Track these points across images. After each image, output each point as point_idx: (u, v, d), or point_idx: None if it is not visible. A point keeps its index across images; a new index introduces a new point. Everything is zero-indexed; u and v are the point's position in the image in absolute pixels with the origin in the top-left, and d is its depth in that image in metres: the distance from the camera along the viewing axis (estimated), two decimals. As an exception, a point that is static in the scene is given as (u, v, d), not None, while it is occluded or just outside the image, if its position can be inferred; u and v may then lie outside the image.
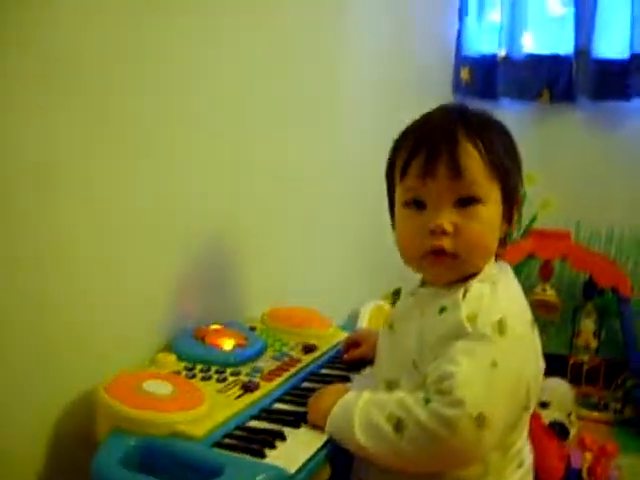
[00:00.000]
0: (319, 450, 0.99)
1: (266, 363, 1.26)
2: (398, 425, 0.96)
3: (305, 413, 1.07)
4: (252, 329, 1.44)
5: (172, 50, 1.25)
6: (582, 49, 3.00)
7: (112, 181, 1.14)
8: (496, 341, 0.98)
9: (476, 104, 1.15)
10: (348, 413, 1.00)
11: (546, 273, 2.87)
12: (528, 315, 1.08)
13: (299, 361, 1.31)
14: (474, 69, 3.14)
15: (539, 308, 2.75)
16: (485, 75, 3.12)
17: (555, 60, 3.04)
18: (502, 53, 3.10)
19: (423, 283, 1.16)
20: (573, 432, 2.44)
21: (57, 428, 1.08)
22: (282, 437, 1.00)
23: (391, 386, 1.09)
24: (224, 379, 1.16)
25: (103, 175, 1.11)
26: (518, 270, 1.14)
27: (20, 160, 0.96)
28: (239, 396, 1.11)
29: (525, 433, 1.09)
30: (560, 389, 2.48)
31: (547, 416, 2.35)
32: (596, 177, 3.06)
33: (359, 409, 1.00)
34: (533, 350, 1.06)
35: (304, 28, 1.80)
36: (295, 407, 1.12)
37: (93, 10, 1.06)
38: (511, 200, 1.09)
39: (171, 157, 1.28)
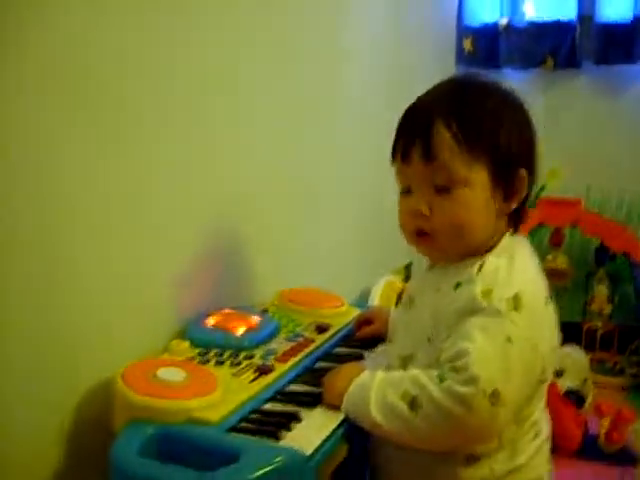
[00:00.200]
0: (335, 430, 1.00)
1: (280, 345, 1.27)
2: (413, 403, 0.96)
3: (320, 393, 1.08)
4: (264, 311, 1.44)
5: (174, 50, 1.25)
6: (585, 13, 2.98)
7: (120, 173, 1.13)
8: (511, 317, 0.97)
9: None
10: (364, 392, 1.01)
11: (557, 240, 2.87)
12: (544, 290, 1.07)
13: (313, 341, 1.31)
14: (476, 39, 3.12)
15: (550, 276, 2.74)
16: (488, 44, 3.10)
17: (558, 26, 3.02)
18: (504, 21, 3.08)
19: None
20: (589, 399, 2.44)
21: (74, 418, 1.08)
22: (297, 418, 1.01)
23: (405, 362, 1.09)
24: (238, 363, 1.16)
25: (108, 168, 1.11)
26: (528, 239, 1.13)
27: (20, 160, 0.96)
28: (253, 379, 1.11)
29: (541, 404, 1.09)
30: (574, 356, 2.49)
31: (563, 384, 2.35)
32: (604, 142, 3.04)
33: (375, 387, 1.00)
34: (548, 325, 1.05)
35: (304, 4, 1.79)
36: (310, 388, 1.12)
37: (93, 10, 1.06)
38: (507, 175, 1.05)
39: (178, 149, 1.28)
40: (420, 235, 1.08)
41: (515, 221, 1.10)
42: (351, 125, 2.15)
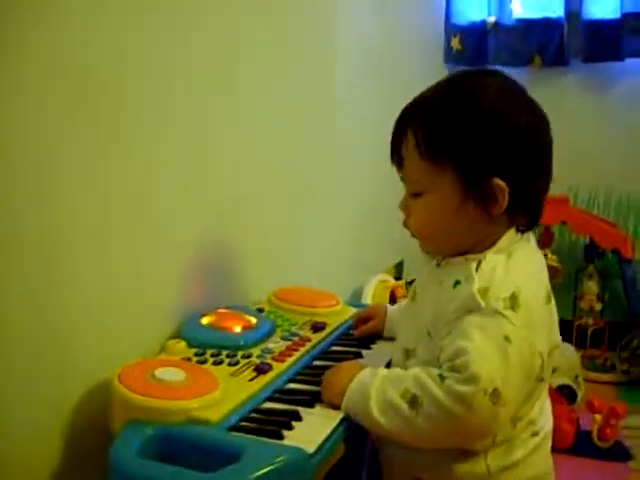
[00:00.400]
0: (335, 428, 0.99)
1: (276, 344, 1.26)
2: (413, 402, 0.96)
3: (319, 392, 1.07)
4: (260, 311, 1.44)
5: (174, 50, 1.24)
6: (572, 11, 2.99)
7: (120, 173, 1.13)
8: (508, 316, 0.97)
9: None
10: (364, 390, 1.00)
11: (546, 239, 2.88)
12: (543, 288, 1.07)
13: (309, 340, 1.30)
14: (464, 37, 3.13)
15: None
16: (476, 43, 3.11)
17: (546, 24, 3.03)
18: (492, 20, 3.09)
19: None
20: (581, 395, 2.46)
21: (72, 418, 1.08)
22: (298, 417, 1.00)
23: (408, 355, 1.09)
24: (236, 362, 1.15)
25: (108, 168, 1.11)
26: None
27: (20, 160, 0.95)
28: (252, 378, 1.11)
29: (540, 403, 1.09)
30: (566, 353, 2.50)
31: (554, 380, 2.36)
32: (592, 140, 3.05)
33: (375, 386, 1.00)
34: (547, 324, 1.05)
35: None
36: (308, 386, 1.12)
37: (93, 10, 1.05)
38: (477, 184, 1.02)
39: (178, 149, 1.27)
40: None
41: (525, 221, 1.07)
42: (346, 125, 2.15)
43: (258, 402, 1.05)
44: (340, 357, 1.23)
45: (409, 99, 1.11)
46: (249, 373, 1.12)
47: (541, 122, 1.07)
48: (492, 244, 1.05)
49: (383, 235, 2.43)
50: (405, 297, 2.15)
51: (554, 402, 2.09)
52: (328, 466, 0.99)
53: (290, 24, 1.71)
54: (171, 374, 1.03)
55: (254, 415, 1.02)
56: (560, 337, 1.09)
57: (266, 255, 1.65)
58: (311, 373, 1.17)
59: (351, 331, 1.40)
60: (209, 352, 1.18)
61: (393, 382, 1.00)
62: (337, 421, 1.01)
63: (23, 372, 0.98)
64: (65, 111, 1.01)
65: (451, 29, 3.12)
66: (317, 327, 1.37)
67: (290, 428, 0.97)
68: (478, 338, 0.96)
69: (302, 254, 1.86)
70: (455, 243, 1.07)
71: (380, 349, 1.31)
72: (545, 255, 2.83)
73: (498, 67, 3.06)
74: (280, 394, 1.09)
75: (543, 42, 3.03)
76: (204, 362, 1.15)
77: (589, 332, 2.84)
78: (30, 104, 0.96)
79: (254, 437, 0.94)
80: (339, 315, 1.47)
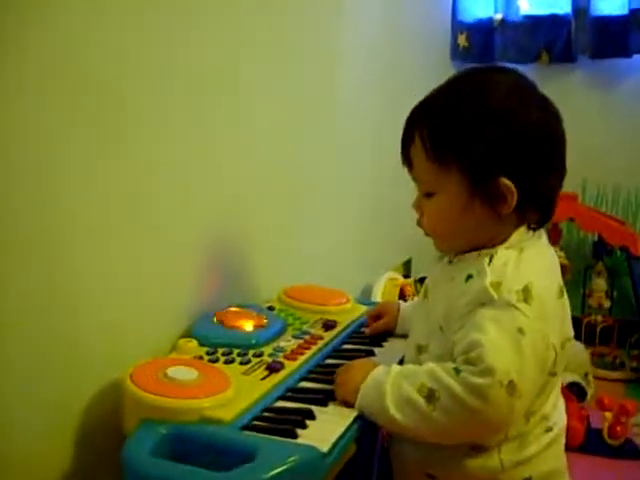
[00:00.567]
0: (349, 427, 0.99)
1: (288, 342, 1.26)
2: (430, 396, 0.96)
3: (332, 390, 1.06)
4: (270, 309, 1.43)
5: (174, 50, 1.24)
6: (580, 7, 2.97)
7: (120, 173, 1.12)
8: (521, 308, 0.97)
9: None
10: (379, 387, 1.00)
11: (554, 236, 2.86)
12: (556, 283, 1.06)
13: (321, 338, 1.30)
14: (471, 34, 3.11)
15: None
16: (483, 40, 3.10)
17: (553, 20, 3.01)
18: (499, 16, 3.07)
19: None
20: (590, 392, 2.45)
21: (81, 419, 1.07)
22: (311, 416, 0.99)
23: (420, 350, 1.09)
24: (247, 361, 1.15)
25: (108, 168, 1.10)
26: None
27: (20, 160, 0.94)
28: (264, 377, 1.10)
29: (553, 398, 1.08)
30: (575, 350, 2.48)
31: (564, 378, 2.35)
32: (600, 136, 3.04)
33: (390, 382, 1.00)
34: (560, 317, 1.05)
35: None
36: (321, 385, 1.11)
37: (93, 10, 1.04)
38: (484, 183, 1.02)
39: (178, 149, 1.26)
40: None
41: (537, 219, 1.07)
42: (350, 124, 2.14)
43: (271, 401, 1.05)
44: (352, 355, 1.23)
45: (415, 97, 1.10)
46: (261, 372, 1.12)
47: (553, 119, 1.06)
48: (503, 241, 1.05)
49: (390, 233, 2.43)
50: (415, 295, 2.15)
51: (564, 400, 2.09)
52: (340, 465, 0.99)
53: (291, 23, 1.70)
54: (183, 373, 1.03)
55: (267, 414, 1.01)
56: (573, 331, 1.09)
57: (274, 254, 1.64)
58: (323, 371, 1.16)
59: (363, 329, 1.40)
60: (220, 351, 1.18)
61: (408, 378, 0.99)
62: (351, 419, 1.00)
63: (24, 373, 0.97)
64: (65, 111, 1.01)
65: (458, 26, 3.11)
66: (328, 325, 1.37)
67: (304, 427, 0.96)
68: (492, 330, 0.96)
69: (309, 253, 1.85)
70: (466, 241, 1.07)
71: (392, 347, 1.30)
72: (554, 252, 2.85)
73: (505, 64, 3.05)
74: (293, 393, 1.09)
75: (550, 39, 3.02)
76: (216, 361, 1.15)
77: (598, 329, 2.83)
78: (30, 104, 0.95)
79: (267, 436, 0.94)
80: (350, 313, 1.46)
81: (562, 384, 2.21)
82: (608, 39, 2.92)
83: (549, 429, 1.07)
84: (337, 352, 1.28)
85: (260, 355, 1.18)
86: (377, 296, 2.13)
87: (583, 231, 3.01)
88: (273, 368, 1.12)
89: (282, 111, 1.67)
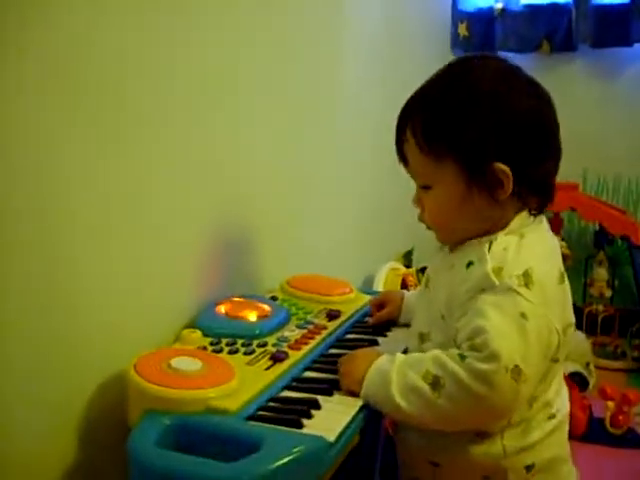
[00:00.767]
0: (355, 416, 0.98)
1: (292, 332, 1.25)
2: (435, 383, 0.96)
3: (336, 380, 1.06)
4: (273, 299, 1.43)
5: (174, 50, 1.23)
6: (581, -4, 2.96)
7: (120, 173, 1.12)
8: (523, 293, 0.97)
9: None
10: (384, 376, 1.00)
11: (555, 226, 2.86)
12: (557, 269, 1.06)
13: (324, 328, 1.29)
14: (471, 24, 3.10)
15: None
16: (483, 29, 3.09)
17: (554, 9, 3.00)
18: (499, 5, 3.06)
19: None
20: (592, 382, 2.45)
21: (84, 415, 1.07)
22: (317, 406, 0.99)
23: (423, 339, 1.10)
24: (252, 351, 1.15)
25: (108, 168, 1.09)
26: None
27: (20, 160, 0.94)
28: (269, 367, 1.10)
29: (555, 385, 1.08)
30: (576, 339, 2.48)
31: (565, 367, 2.35)
32: (601, 126, 3.03)
33: (395, 370, 0.99)
34: (561, 302, 1.05)
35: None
36: (325, 374, 1.11)
37: (93, 10, 1.04)
38: (480, 170, 1.02)
39: (178, 149, 1.26)
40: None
41: (537, 203, 1.07)
42: (351, 115, 2.14)
43: (276, 391, 1.04)
44: (356, 345, 1.22)
45: (415, 87, 1.10)
46: (265, 362, 1.11)
47: (544, 103, 1.06)
48: (504, 227, 1.05)
49: (392, 224, 2.42)
50: (417, 285, 2.15)
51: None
52: (344, 455, 0.98)
53: (291, 17, 1.70)
54: (187, 363, 1.03)
55: (272, 404, 1.00)
56: (574, 317, 1.09)
57: (276, 244, 1.64)
58: (328, 361, 1.16)
59: (366, 318, 1.39)
60: (224, 341, 1.17)
61: (412, 365, 0.99)
62: (357, 409, 1.00)
63: (24, 372, 0.97)
64: (65, 111, 1.00)
65: (458, 15, 3.10)
66: (332, 315, 1.37)
67: (309, 417, 0.96)
68: (495, 316, 0.96)
69: (310, 243, 1.85)
70: (468, 231, 1.07)
71: (395, 336, 1.30)
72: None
73: (506, 53, 3.05)
74: (297, 382, 1.09)
75: (551, 28, 3.01)
76: (220, 351, 1.14)
77: (599, 319, 2.83)
78: (30, 104, 0.94)
79: (273, 426, 0.93)
80: (353, 303, 1.46)
81: (564, 373, 2.23)
82: (609, 28, 2.91)
83: (552, 416, 1.07)
84: (341, 342, 1.27)
85: (264, 345, 1.18)
86: (379, 286, 2.12)
87: (584, 221, 3.01)
88: (277, 358, 1.12)
89: (283, 104, 1.67)
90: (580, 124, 2.99)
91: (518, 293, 0.97)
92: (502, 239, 1.03)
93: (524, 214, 1.06)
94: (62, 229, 1.01)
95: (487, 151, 1.01)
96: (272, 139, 1.62)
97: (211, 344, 1.16)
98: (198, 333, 1.18)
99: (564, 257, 2.67)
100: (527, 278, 0.98)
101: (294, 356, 1.15)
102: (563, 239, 2.87)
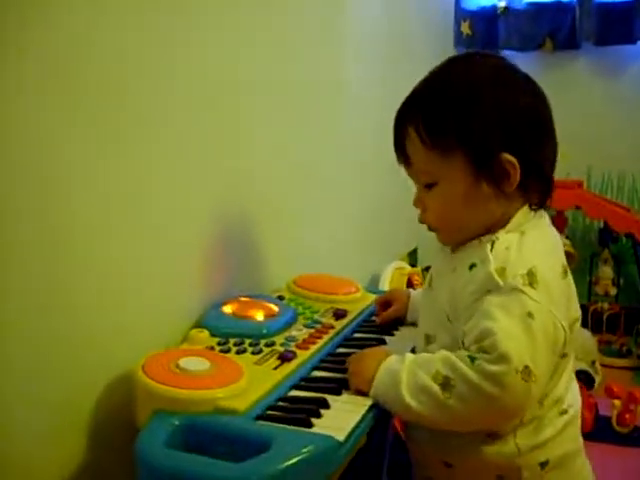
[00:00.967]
0: (364, 415, 0.98)
1: (299, 332, 1.25)
2: (445, 384, 0.95)
3: (345, 379, 1.06)
4: (280, 298, 1.43)
5: (174, 50, 1.23)
6: (584, -6, 2.96)
7: (120, 173, 1.11)
8: (528, 292, 0.97)
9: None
10: (394, 375, 0.99)
11: (560, 224, 2.85)
12: (560, 263, 1.06)
13: (332, 327, 1.29)
14: (474, 22, 3.10)
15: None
16: (486, 27, 3.10)
17: (557, 7, 3.00)
18: (502, 4, 3.06)
19: None
20: (598, 380, 2.44)
21: (91, 415, 1.07)
22: (326, 405, 0.99)
23: (429, 340, 1.10)
24: (259, 351, 1.14)
25: (108, 168, 1.09)
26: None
27: (20, 160, 0.93)
28: (276, 367, 1.09)
29: (565, 381, 1.08)
30: (582, 338, 2.48)
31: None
32: (604, 123, 3.03)
33: (405, 371, 0.99)
34: (566, 297, 1.05)
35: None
36: (334, 374, 1.11)
37: (93, 10, 1.04)
38: (487, 161, 1.02)
39: (178, 148, 1.26)
40: (427, 226, 1.12)
41: (538, 196, 1.07)
42: (352, 114, 2.13)
43: (284, 390, 1.04)
44: (363, 344, 1.22)
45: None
46: (273, 361, 1.11)
47: (541, 100, 1.07)
48: (505, 224, 1.05)
49: (396, 223, 2.42)
50: (422, 284, 2.14)
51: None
52: (352, 455, 0.98)
53: (291, 17, 1.70)
54: (195, 364, 1.02)
55: (281, 404, 1.00)
56: (580, 311, 1.08)
57: (282, 244, 1.64)
58: (336, 360, 1.15)
59: (373, 317, 1.39)
60: (232, 341, 1.17)
61: (422, 366, 0.99)
62: (366, 408, 0.99)
63: (25, 372, 0.96)
64: (65, 111, 1.00)
65: (461, 13, 3.10)
66: (339, 314, 1.36)
67: (319, 416, 0.96)
68: (502, 318, 0.96)
69: (315, 243, 1.84)
70: (472, 228, 1.06)
71: (403, 335, 1.30)
72: (559, 240, 2.85)
73: (509, 52, 3.05)
74: (306, 382, 1.08)
75: (554, 25, 3.01)
76: (227, 351, 1.14)
77: (605, 317, 2.82)
78: (30, 104, 0.94)
79: (282, 426, 0.93)
80: (360, 302, 1.46)
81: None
82: (612, 25, 2.91)
83: (564, 412, 1.07)
84: (348, 341, 1.27)
85: (272, 345, 1.17)
86: (385, 285, 2.12)
87: (589, 218, 3.00)
88: (285, 357, 1.12)
89: (284, 104, 1.66)
90: (584, 122, 2.99)
91: (523, 292, 0.97)
92: (504, 238, 1.03)
93: (525, 209, 1.06)
94: (62, 229, 1.01)
95: (494, 142, 1.02)
96: (274, 138, 1.62)
97: (219, 344, 1.16)
98: (206, 333, 1.17)
99: (569, 257, 2.68)
100: (531, 277, 0.98)
101: (302, 355, 1.14)
102: (568, 237, 2.87)
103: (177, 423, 0.93)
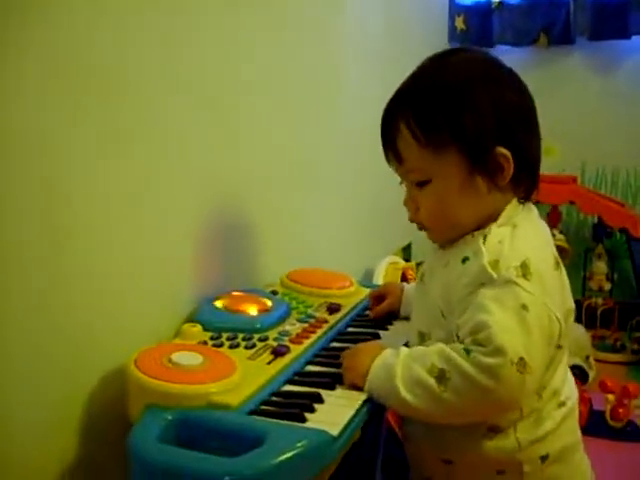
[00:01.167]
0: (358, 410, 0.97)
1: (292, 326, 1.24)
2: (440, 377, 0.95)
3: (339, 374, 1.05)
4: (274, 293, 1.42)
5: (174, 50, 1.23)
6: (579, -12, 2.96)
7: (120, 173, 1.11)
8: (521, 284, 0.97)
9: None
10: (389, 369, 0.99)
11: (554, 219, 2.85)
12: (552, 255, 1.06)
13: (325, 322, 1.29)
14: (469, 17, 3.10)
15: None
16: (480, 22, 3.09)
17: (551, 2, 3.00)
18: (496, -1, 3.06)
19: None
20: (592, 375, 2.45)
21: (86, 412, 1.06)
22: (320, 399, 0.98)
23: (424, 337, 1.09)
24: (253, 345, 1.13)
25: (108, 168, 1.09)
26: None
27: (21, 160, 0.93)
28: (270, 361, 1.09)
29: (561, 373, 1.08)
30: (576, 333, 2.48)
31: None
32: (598, 118, 3.03)
33: (400, 364, 0.98)
34: (559, 288, 1.05)
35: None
36: (327, 368, 1.10)
37: (93, 10, 1.03)
38: (481, 155, 1.02)
39: (178, 148, 1.25)
40: (418, 226, 1.11)
41: (525, 189, 1.07)
42: (349, 110, 2.13)
43: (278, 385, 1.03)
44: (357, 338, 1.21)
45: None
46: (266, 356, 1.10)
47: (527, 96, 1.08)
48: (495, 219, 1.05)
49: (390, 218, 2.41)
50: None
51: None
52: (346, 449, 0.97)
53: (291, 16, 1.70)
54: (188, 358, 1.01)
55: (274, 398, 1.00)
56: (573, 302, 1.08)
57: (275, 238, 1.63)
58: (330, 355, 1.15)
59: (367, 312, 1.38)
60: (225, 335, 1.16)
61: (417, 359, 0.98)
62: (360, 402, 0.99)
63: (23, 370, 0.96)
64: (65, 111, 0.99)
65: (455, 9, 3.10)
66: (333, 308, 1.36)
67: (312, 411, 0.95)
68: (497, 310, 0.95)
69: (309, 237, 1.84)
70: (464, 225, 1.06)
71: (397, 329, 1.29)
72: (553, 235, 2.84)
73: (503, 47, 3.05)
74: (299, 377, 1.07)
75: (549, 20, 3.00)
76: (220, 346, 1.13)
77: (599, 312, 2.83)
78: (30, 104, 0.94)
79: (276, 421, 0.92)
80: (354, 296, 1.45)
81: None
82: (607, 20, 2.91)
83: (562, 404, 1.07)
84: (342, 335, 1.26)
85: (265, 339, 1.17)
86: (379, 280, 2.11)
87: (583, 213, 3.00)
88: (279, 352, 1.11)
89: (282, 102, 1.66)
90: (578, 117, 2.99)
91: (517, 285, 0.97)
92: (496, 231, 1.03)
93: (514, 202, 1.06)
94: (62, 229, 1.00)
95: (488, 136, 1.02)
96: (272, 136, 1.62)
97: (212, 338, 1.15)
98: (198, 327, 1.17)
99: (563, 252, 2.66)
100: (525, 269, 0.98)
101: (296, 350, 1.14)
102: (562, 232, 2.87)
103: (170, 418, 0.92)
